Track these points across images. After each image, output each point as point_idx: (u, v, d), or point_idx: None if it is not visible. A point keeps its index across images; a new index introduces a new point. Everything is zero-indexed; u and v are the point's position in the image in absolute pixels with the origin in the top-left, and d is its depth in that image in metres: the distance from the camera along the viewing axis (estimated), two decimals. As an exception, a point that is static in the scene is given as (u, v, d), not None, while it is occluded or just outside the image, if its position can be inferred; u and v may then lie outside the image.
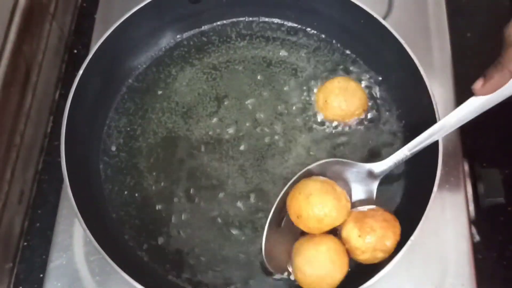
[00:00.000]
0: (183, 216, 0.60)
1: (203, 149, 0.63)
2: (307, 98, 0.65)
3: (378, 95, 0.65)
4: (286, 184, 0.56)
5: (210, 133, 0.64)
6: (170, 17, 0.67)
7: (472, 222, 0.62)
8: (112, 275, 0.58)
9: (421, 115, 0.58)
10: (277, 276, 0.55)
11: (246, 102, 0.65)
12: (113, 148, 0.63)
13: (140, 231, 0.59)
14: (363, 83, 0.65)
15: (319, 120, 0.64)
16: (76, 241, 0.60)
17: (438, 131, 0.54)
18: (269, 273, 0.56)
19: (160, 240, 0.59)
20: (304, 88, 0.65)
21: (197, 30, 0.70)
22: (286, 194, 0.55)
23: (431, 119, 0.56)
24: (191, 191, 0.61)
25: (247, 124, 0.64)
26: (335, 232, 0.54)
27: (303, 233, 0.55)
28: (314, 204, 0.51)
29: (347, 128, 0.63)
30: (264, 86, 0.66)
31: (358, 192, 0.57)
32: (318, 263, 0.51)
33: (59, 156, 0.55)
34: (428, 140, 0.54)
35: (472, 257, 0.59)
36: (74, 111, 0.57)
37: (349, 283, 0.52)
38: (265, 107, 0.65)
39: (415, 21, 0.72)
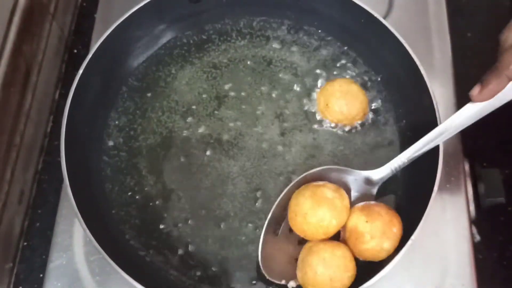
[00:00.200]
0: (183, 216, 0.60)
1: (203, 148, 0.63)
2: (307, 98, 0.65)
3: (378, 95, 0.65)
4: (287, 184, 0.56)
5: (210, 132, 0.64)
6: (170, 17, 0.67)
7: (473, 222, 0.61)
8: (112, 275, 0.58)
9: (421, 115, 0.58)
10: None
11: (247, 101, 0.65)
12: (113, 148, 0.63)
13: (140, 231, 0.59)
14: (363, 83, 0.65)
15: (319, 119, 0.64)
16: (76, 241, 0.60)
17: (436, 138, 0.53)
18: (267, 282, 0.55)
19: (161, 240, 0.59)
20: (304, 87, 0.65)
21: (197, 29, 0.69)
22: (281, 202, 0.55)
23: (431, 119, 0.56)
24: (191, 190, 0.61)
25: (248, 124, 0.64)
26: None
27: (300, 242, 0.55)
28: (314, 222, 0.52)
29: (347, 128, 0.63)
30: (264, 85, 0.66)
31: (358, 194, 0.57)
32: (333, 264, 0.51)
33: (59, 156, 0.55)
34: (425, 147, 0.54)
35: (473, 257, 0.59)
36: (74, 111, 0.57)
37: (349, 283, 0.52)
38: (266, 107, 0.65)
39: (415, 21, 0.72)
